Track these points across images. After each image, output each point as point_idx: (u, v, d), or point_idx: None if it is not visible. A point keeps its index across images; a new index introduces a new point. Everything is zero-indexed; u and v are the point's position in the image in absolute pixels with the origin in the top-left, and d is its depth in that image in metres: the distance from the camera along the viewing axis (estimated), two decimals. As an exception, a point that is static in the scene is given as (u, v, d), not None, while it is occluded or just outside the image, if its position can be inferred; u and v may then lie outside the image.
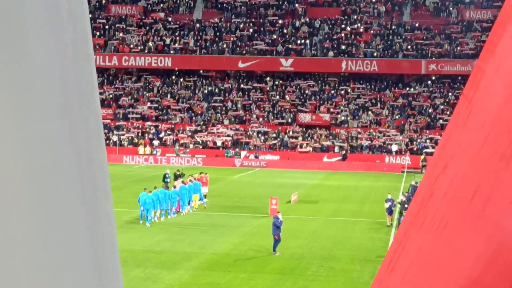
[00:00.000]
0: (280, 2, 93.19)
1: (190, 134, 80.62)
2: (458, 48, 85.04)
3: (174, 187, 45.74)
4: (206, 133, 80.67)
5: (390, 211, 40.70)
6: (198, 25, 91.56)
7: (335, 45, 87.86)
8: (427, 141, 75.89)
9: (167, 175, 50.82)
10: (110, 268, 1.59)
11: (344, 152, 77.18)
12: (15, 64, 1.42)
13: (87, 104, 1.46)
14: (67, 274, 1.54)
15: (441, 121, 78.56)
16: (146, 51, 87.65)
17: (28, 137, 1.47)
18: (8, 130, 1.47)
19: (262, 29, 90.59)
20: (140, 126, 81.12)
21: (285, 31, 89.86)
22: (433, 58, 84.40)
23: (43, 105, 1.45)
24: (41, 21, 1.42)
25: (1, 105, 1.46)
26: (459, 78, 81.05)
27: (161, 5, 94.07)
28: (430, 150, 72.32)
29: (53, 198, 1.48)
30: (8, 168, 1.46)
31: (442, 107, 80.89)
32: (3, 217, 1.52)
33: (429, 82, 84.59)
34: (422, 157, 71.36)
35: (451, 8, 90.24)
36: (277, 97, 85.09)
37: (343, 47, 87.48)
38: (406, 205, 39.54)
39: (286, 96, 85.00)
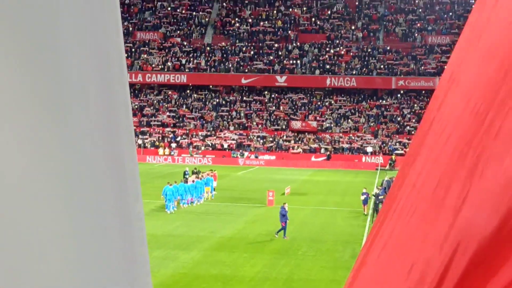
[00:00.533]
0: (276, 29, 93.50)
1: (201, 138, 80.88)
2: (422, 67, 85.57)
3: (192, 181, 46.30)
4: (215, 137, 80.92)
5: (365, 202, 41.12)
6: (208, 48, 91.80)
7: (321, 65, 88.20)
8: (397, 144, 76.33)
9: (186, 172, 51.12)
10: (140, 261, 1.53)
11: (328, 153, 77.53)
12: (55, 75, 1.36)
13: (122, 114, 1.38)
14: (103, 267, 1.48)
15: (408, 127, 79.00)
16: (165, 70, 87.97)
17: (72, 145, 1.40)
18: (50, 136, 1.38)
19: (261, 51, 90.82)
20: (160, 131, 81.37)
21: (279, 53, 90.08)
22: (402, 75, 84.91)
23: (86, 116, 1.40)
24: (82, 42, 1.36)
25: (43, 111, 1.37)
26: (423, 92, 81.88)
27: (178, 31, 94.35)
28: (399, 151, 72.88)
29: (92, 197, 1.40)
30: (53, 171, 1.40)
31: (409, 116, 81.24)
32: (47, 216, 1.42)
33: (398, 95, 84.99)
34: (392, 157, 71.81)
35: (416, 34, 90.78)
36: (273, 107, 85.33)
37: (328, 66, 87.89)
38: (380, 197, 39.58)
39: (281, 107, 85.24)
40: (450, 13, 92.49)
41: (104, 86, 1.38)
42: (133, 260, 1.49)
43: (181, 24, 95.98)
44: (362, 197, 41.40)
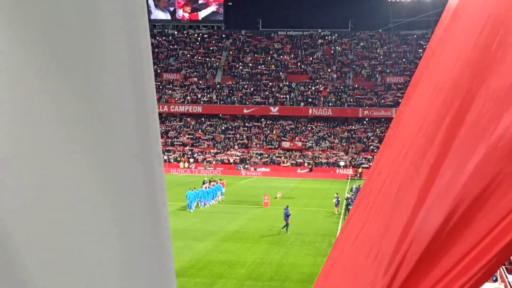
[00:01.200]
0: (270, 71, 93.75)
1: (213, 154, 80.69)
2: (382, 100, 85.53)
3: (207, 187, 46.59)
4: (223, 154, 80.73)
5: (337, 204, 40.77)
6: (218, 86, 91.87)
7: (305, 99, 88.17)
8: (363, 159, 76.14)
9: (205, 181, 50.78)
10: (166, 252, 1.53)
11: (310, 166, 77.31)
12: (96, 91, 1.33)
13: (152, 134, 1.40)
14: (137, 257, 1.45)
15: (371, 147, 78.86)
16: (185, 102, 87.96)
17: (115, 156, 1.36)
18: (91, 147, 1.33)
19: (258, 88, 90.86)
20: (181, 150, 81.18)
21: (273, 89, 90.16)
22: (366, 107, 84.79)
23: (124, 134, 1.37)
24: (124, 77, 1.33)
25: (86, 122, 1.32)
26: (383, 119, 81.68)
27: (195, 73, 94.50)
28: (365, 165, 72.74)
29: (129, 200, 1.41)
30: (97, 176, 1.36)
31: (372, 137, 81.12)
32: (89, 219, 1.37)
33: (364, 122, 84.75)
34: (359, 169, 72.00)
35: (377, 75, 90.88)
36: (268, 131, 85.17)
37: (310, 99, 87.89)
38: (350, 201, 39.61)
39: (274, 131, 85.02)
40: (404, 59, 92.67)
41: (140, 114, 1.36)
42: (161, 251, 1.49)
43: (197, 67, 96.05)
44: (334, 200, 41.22)
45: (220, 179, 54.01)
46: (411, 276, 1.70)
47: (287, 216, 34.27)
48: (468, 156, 1.54)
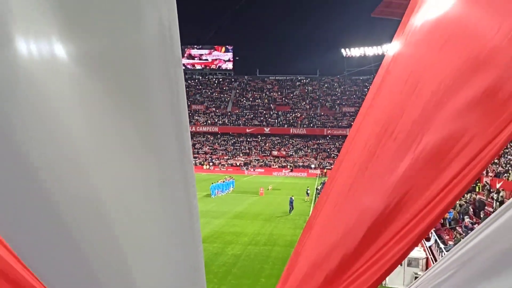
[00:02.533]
0: (264, 103, 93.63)
1: (225, 160, 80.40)
2: (340, 123, 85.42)
3: (223, 181, 47.04)
4: (232, 159, 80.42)
5: (307, 195, 40.57)
6: (229, 113, 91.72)
7: (288, 122, 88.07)
8: (327, 163, 75.72)
9: (226, 178, 50.85)
10: (196, 230, 1.51)
11: (291, 168, 77.03)
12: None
13: (186, 146, 1.38)
14: (178, 236, 1.46)
15: (332, 154, 78.54)
16: (206, 124, 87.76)
17: (161, 165, 1.35)
18: (146, 156, 1.32)
19: (256, 115, 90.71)
20: (204, 157, 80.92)
21: (266, 116, 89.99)
22: (329, 128, 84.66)
23: (168, 146, 1.35)
24: (163, 101, 1.30)
25: (138, 135, 1.30)
26: (340, 136, 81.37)
27: (213, 104, 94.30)
28: (328, 167, 72.32)
29: (171, 193, 1.39)
30: (147, 178, 1.36)
31: (333, 148, 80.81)
32: (142, 217, 1.38)
33: (327, 138, 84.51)
34: (324, 170, 71.63)
35: (336, 106, 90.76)
36: (263, 144, 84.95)
37: (291, 123, 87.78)
38: (318, 191, 39.48)
39: (267, 144, 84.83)
40: (354, 95, 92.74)
41: (178, 132, 1.35)
42: (193, 228, 1.48)
43: (215, 101, 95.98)
44: (307, 190, 41.33)
45: (230, 176, 54.04)
46: (353, 253, 1.69)
47: (291, 203, 34.22)
48: (397, 164, 1.55)
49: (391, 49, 1.75)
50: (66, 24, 1.16)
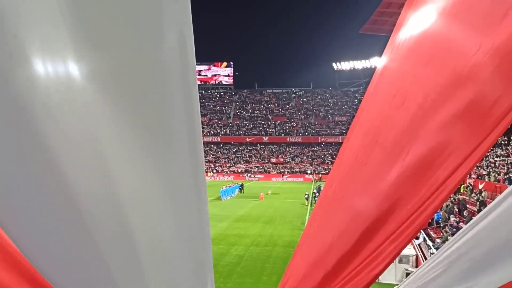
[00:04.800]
0: (262, 115, 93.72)
1: (228, 167, 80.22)
2: (333, 131, 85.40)
3: (229, 186, 47.23)
4: (234, 167, 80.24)
5: (307, 199, 39.93)
6: (230, 124, 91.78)
7: (285, 131, 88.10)
8: (321, 169, 75.52)
9: (236, 185, 51.08)
10: (206, 232, 1.55)
11: (289, 173, 76.91)
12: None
13: (199, 154, 1.37)
14: (189, 236, 1.47)
15: (326, 160, 78.37)
16: (209, 135, 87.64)
17: (176, 177, 1.35)
18: (162, 162, 1.32)
19: (255, 125, 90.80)
20: (208, 164, 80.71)
21: (264, 126, 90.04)
22: (323, 136, 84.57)
23: (184, 159, 1.35)
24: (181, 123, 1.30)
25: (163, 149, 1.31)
26: (333, 143, 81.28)
27: (216, 116, 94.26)
28: (324, 172, 72.09)
29: (184, 196, 1.41)
30: (164, 186, 1.36)
31: (327, 155, 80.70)
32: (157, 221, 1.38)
33: (322, 145, 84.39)
34: (320, 175, 71.37)
35: (329, 116, 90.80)
36: (262, 152, 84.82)
37: (287, 132, 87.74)
38: (315, 194, 39.35)
39: (265, 152, 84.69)
40: (345, 105, 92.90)
41: (191, 142, 1.33)
42: (203, 230, 1.50)
43: (217, 113, 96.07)
44: (305, 196, 40.77)
45: (233, 183, 54.07)
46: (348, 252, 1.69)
47: (306, 199, 35.65)
48: (387, 172, 1.55)
49: (380, 64, 1.76)
50: (83, 42, 1.13)
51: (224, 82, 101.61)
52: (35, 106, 1.10)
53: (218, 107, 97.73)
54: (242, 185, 51.14)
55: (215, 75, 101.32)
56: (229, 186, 47.70)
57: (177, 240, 1.41)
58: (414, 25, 1.59)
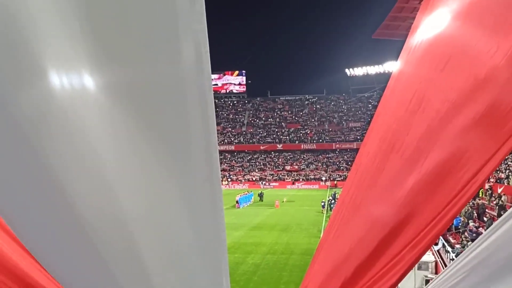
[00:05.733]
0: (276, 122, 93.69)
1: (243, 175, 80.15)
2: (347, 138, 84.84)
3: (245, 194, 47.76)
4: (249, 175, 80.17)
5: (323, 207, 39.65)
6: (244, 132, 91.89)
7: (298, 139, 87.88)
8: (336, 175, 75.04)
9: (251, 193, 51.11)
10: (222, 239, 1.56)
11: (303, 180, 76.64)
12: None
13: (215, 166, 1.39)
14: (207, 243, 1.49)
15: (341, 167, 77.87)
16: (223, 144, 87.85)
17: (194, 185, 1.37)
18: (181, 174, 1.34)
19: (269, 133, 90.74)
20: (222, 173, 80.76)
21: (278, 134, 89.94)
22: (338, 142, 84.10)
23: (202, 169, 1.36)
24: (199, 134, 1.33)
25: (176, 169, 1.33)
26: (348, 149, 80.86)
27: (229, 125, 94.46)
28: (338, 179, 71.64)
29: (201, 206, 1.42)
30: (181, 193, 1.38)
31: (342, 161, 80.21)
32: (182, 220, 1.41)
33: (336, 152, 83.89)
34: (335, 182, 70.93)
35: (343, 122, 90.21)
36: (276, 160, 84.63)
37: (302, 139, 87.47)
38: (330, 202, 39.08)
39: (280, 159, 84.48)
40: (359, 111, 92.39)
41: (208, 153, 1.34)
42: (219, 237, 1.51)
43: (231, 122, 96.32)
44: (322, 204, 40.38)
45: (247, 191, 54.02)
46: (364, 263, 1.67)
47: (323, 207, 36.25)
48: (405, 178, 1.53)
49: (395, 69, 1.75)
50: (100, 56, 1.14)
51: (235, 91, 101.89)
52: (50, 118, 1.12)
53: (231, 116, 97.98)
54: (261, 194, 50.67)
55: (225, 84, 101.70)
56: (245, 194, 47.81)
57: (194, 249, 1.43)
58: (430, 28, 1.57)
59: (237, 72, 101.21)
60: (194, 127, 1.30)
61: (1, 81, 1.07)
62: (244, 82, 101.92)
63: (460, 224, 21.17)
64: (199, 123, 1.30)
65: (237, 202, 43.83)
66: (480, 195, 26.80)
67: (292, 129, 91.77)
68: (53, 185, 1.18)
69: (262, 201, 48.30)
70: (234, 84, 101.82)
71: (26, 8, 1.04)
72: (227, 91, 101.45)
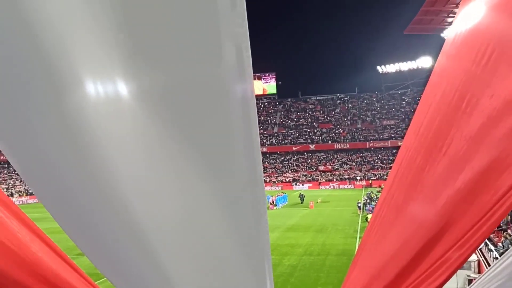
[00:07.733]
0: (307, 123, 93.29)
1: (275, 177, 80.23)
2: (381, 136, 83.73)
3: (280, 195, 47.86)
4: (281, 176, 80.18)
5: (358, 207, 38.99)
6: (276, 134, 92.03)
7: (331, 138, 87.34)
8: (371, 174, 74.11)
9: (285, 194, 51.20)
10: (265, 239, 1.56)
11: (338, 181, 75.99)
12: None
13: (258, 169, 1.39)
14: (249, 241, 1.49)
15: (376, 166, 76.94)
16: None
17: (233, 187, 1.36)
18: (224, 180, 1.33)
19: (301, 134, 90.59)
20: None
21: (310, 134, 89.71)
22: (371, 141, 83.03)
23: (241, 176, 1.35)
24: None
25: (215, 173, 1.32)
26: (382, 148, 79.81)
27: (261, 127, 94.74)
28: (373, 178, 70.69)
29: (244, 209, 1.43)
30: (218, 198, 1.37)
31: (376, 160, 79.21)
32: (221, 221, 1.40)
33: (370, 150, 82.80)
34: (370, 181, 69.95)
35: (377, 120, 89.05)
36: (309, 160, 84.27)
37: (334, 139, 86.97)
38: (365, 203, 38.57)
39: (313, 160, 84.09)
40: (392, 109, 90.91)
41: (250, 159, 1.33)
42: (263, 239, 1.52)
43: (262, 123, 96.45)
44: (358, 204, 39.63)
45: (282, 192, 53.96)
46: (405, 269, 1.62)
47: (359, 208, 36.57)
48: (451, 178, 1.48)
49: (437, 64, 1.69)
50: (139, 63, 1.13)
51: (268, 93, 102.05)
52: (86, 127, 1.12)
53: (262, 118, 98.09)
54: (302, 195, 49.94)
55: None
56: (279, 196, 47.86)
57: (237, 253, 1.43)
58: (471, 21, 1.51)
59: (268, 74, 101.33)
60: (236, 130, 1.27)
61: (42, 89, 1.08)
62: (275, 83, 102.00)
63: (503, 221, 20.51)
64: (241, 125, 1.27)
65: (271, 203, 43.83)
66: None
67: (325, 129, 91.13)
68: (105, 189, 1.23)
69: (302, 203, 47.55)
70: (266, 87, 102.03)
71: (62, 16, 1.04)
72: (261, 93, 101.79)
